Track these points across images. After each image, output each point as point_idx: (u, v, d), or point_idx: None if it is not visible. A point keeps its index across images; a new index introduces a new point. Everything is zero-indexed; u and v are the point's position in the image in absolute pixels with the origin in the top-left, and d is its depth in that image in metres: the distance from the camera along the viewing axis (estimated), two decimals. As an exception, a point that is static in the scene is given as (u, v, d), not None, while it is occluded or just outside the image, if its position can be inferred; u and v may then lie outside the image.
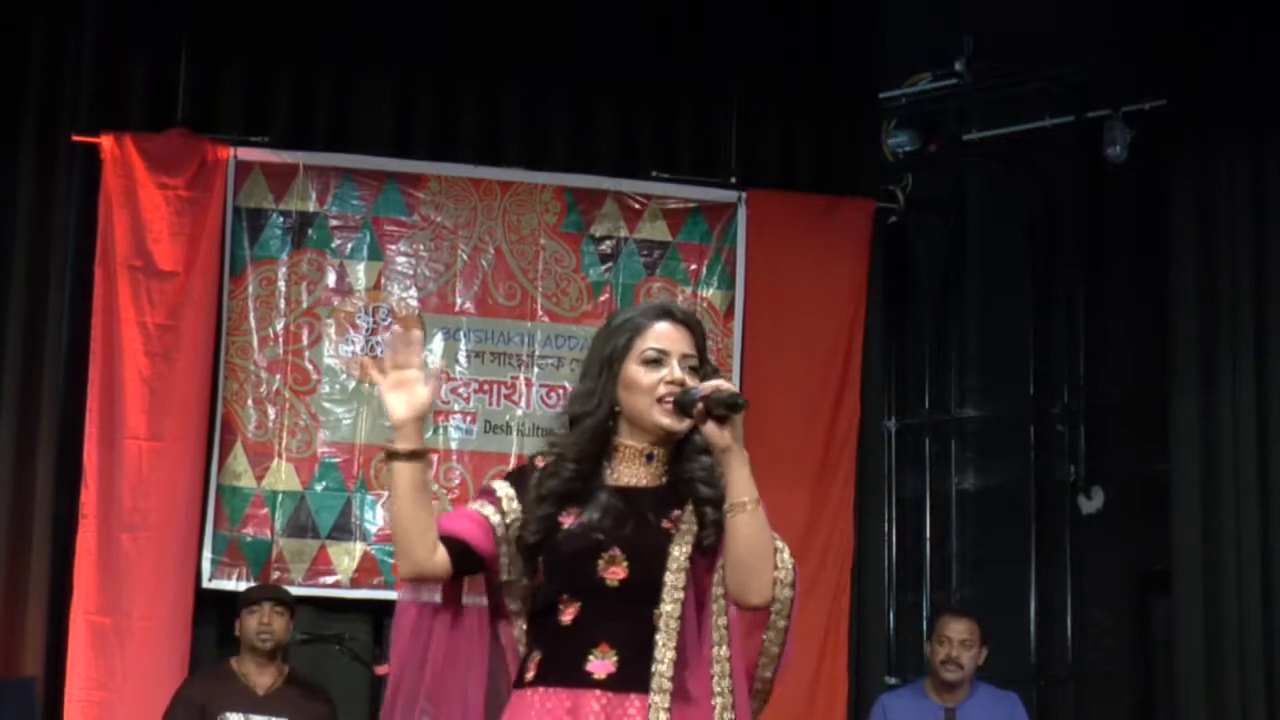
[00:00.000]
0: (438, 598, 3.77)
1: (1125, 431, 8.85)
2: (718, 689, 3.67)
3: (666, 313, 3.83)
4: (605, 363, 3.78)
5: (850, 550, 8.52)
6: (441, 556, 3.69)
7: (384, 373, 3.75)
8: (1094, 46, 8.83)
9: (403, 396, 3.72)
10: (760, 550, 3.65)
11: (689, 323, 3.83)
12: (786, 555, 3.73)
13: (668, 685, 3.63)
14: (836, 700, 8.30)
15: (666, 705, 3.62)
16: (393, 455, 3.69)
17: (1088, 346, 9.07)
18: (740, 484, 3.63)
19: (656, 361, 3.74)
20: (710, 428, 3.63)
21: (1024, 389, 9.24)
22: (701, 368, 3.78)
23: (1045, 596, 8.95)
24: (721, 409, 3.62)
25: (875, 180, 9.01)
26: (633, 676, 3.65)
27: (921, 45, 9.17)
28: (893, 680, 8.46)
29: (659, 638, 3.66)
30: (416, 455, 3.69)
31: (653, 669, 3.64)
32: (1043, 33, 8.92)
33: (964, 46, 9.14)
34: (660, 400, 3.72)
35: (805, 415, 8.50)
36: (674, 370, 3.73)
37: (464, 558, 3.71)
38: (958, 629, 7.41)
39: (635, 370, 3.75)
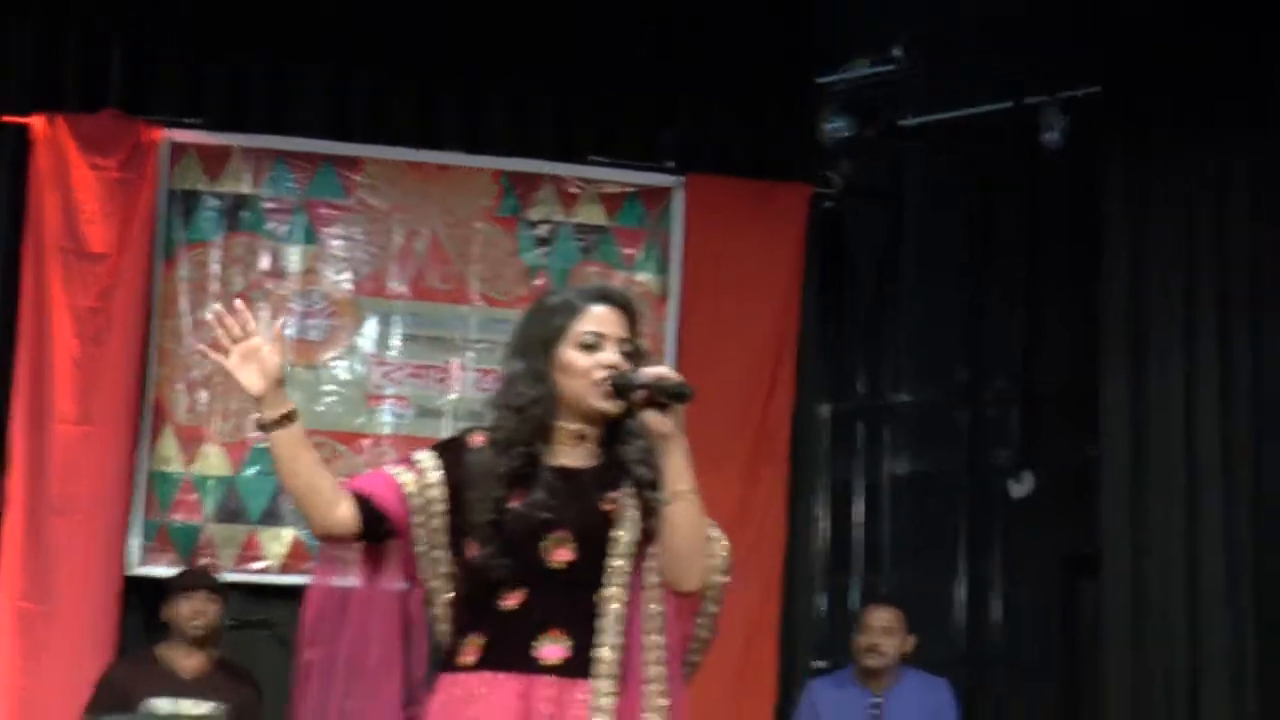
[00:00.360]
0: (353, 580, 3.76)
1: (1058, 417, 8.88)
2: (653, 674, 3.69)
3: (604, 295, 3.86)
4: (542, 345, 3.79)
5: (783, 534, 8.56)
6: (346, 511, 3.70)
7: (225, 352, 3.70)
8: (1030, 33, 8.83)
9: (252, 368, 3.69)
10: (696, 538, 3.70)
11: (625, 306, 3.86)
12: (721, 543, 3.77)
13: (615, 670, 3.66)
14: (765, 684, 8.35)
15: (611, 690, 3.65)
16: (265, 425, 3.69)
17: (1021, 332, 9.09)
18: (678, 472, 3.66)
19: (594, 345, 3.76)
20: (651, 414, 3.66)
21: (958, 375, 9.26)
22: (636, 351, 3.80)
23: (976, 581, 8.96)
24: (666, 397, 3.64)
25: (812, 166, 9.02)
26: (581, 662, 3.67)
27: (859, 31, 9.15)
28: (821, 664, 8.48)
29: (603, 622, 3.68)
30: (289, 418, 3.70)
31: (597, 654, 3.66)
32: (980, 19, 8.91)
33: (902, 32, 9.13)
34: (597, 384, 3.73)
35: (740, 400, 8.52)
36: (611, 354, 3.74)
37: (373, 519, 3.72)
38: (880, 617, 7.47)
39: (572, 354, 3.76)
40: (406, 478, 3.77)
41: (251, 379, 3.69)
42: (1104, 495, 8.18)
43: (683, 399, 3.65)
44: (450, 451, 3.81)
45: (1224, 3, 8.14)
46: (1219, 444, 8.00)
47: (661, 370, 3.70)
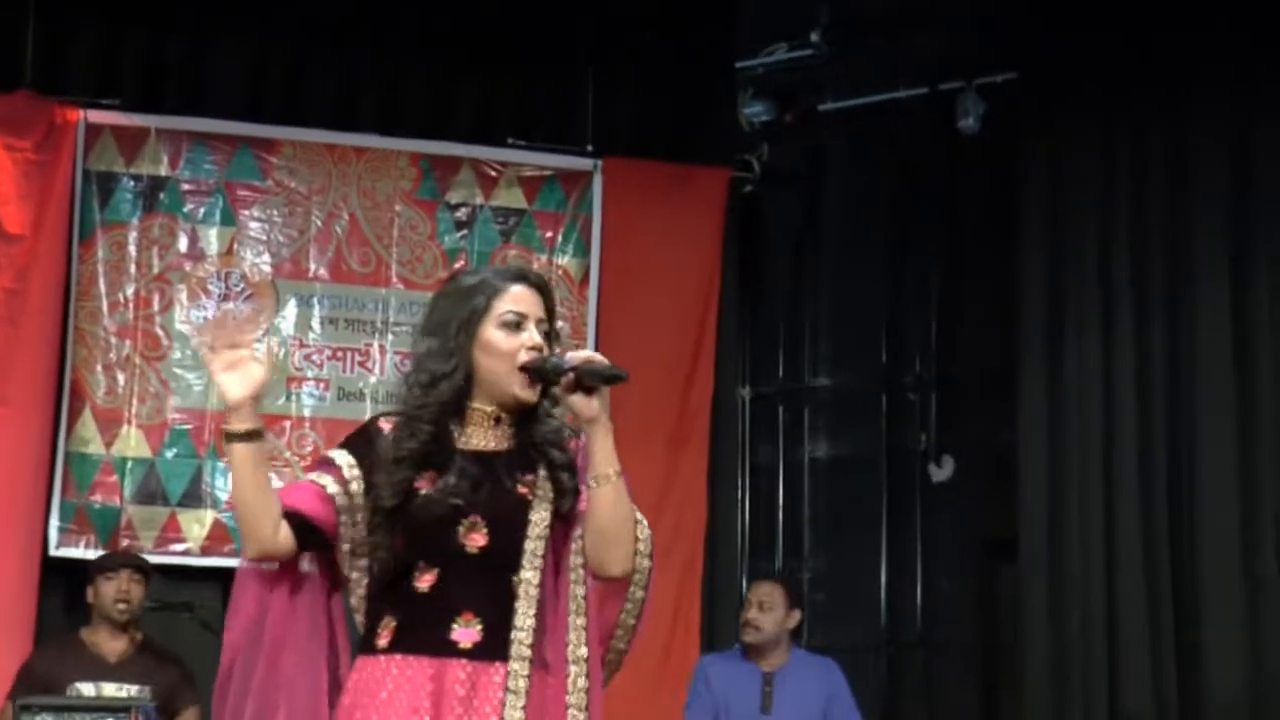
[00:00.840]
0: (276, 565, 3.72)
1: (975, 401, 8.93)
2: (573, 657, 3.66)
3: (523, 276, 3.83)
4: (462, 324, 3.74)
5: (703, 518, 8.57)
6: (285, 535, 3.65)
7: (215, 352, 3.65)
8: (948, 19, 8.88)
9: (236, 377, 3.60)
10: (622, 522, 3.67)
11: (542, 287, 3.83)
12: (645, 527, 3.74)
13: (527, 653, 3.63)
14: (687, 664, 8.28)
15: (526, 673, 3.62)
16: (230, 436, 3.62)
17: (939, 317, 9.14)
18: (605, 455, 3.64)
19: (516, 325, 3.73)
20: (578, 398, 3.62)
21: (876, 358, 9.29)
22: (551, 333, 3.78)
23: (895, 564, 9.01)
24: (599, 380, 3.61)
25: (731, 150, 9.05)
26: (496, 644, 3.64)
27: (778, 15, 9.17)
28: (736, 646, 8.49)
29: (519, 605, 3.65)
30: (254, 435, 3.62)
31: (512, 636, 3.64)
32: (898, 5, 8.96)
33: (820, 17, 9.17)
34: (521, 367, 3.70)
35: (659, 383, 8.52)
36: (533, 335, 3.72)
37: (307, 533, 3.68)
38: (759, 591, 7.35)
39: (494, 333, 3.73)
40: (327, 480, 3.72)
41: (233, 386, 3.60)
42: (1022, 479, 8.26)
43: (616, 381, 3.63)
44: (361, 442, 3.76)
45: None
46: (1136, 428, 8.08)
47: (589, 353, 3.68)
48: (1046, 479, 8.21)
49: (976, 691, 8.76)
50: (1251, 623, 7.71)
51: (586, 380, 3.62)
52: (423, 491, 3.68)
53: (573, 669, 3.66)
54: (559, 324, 3.86)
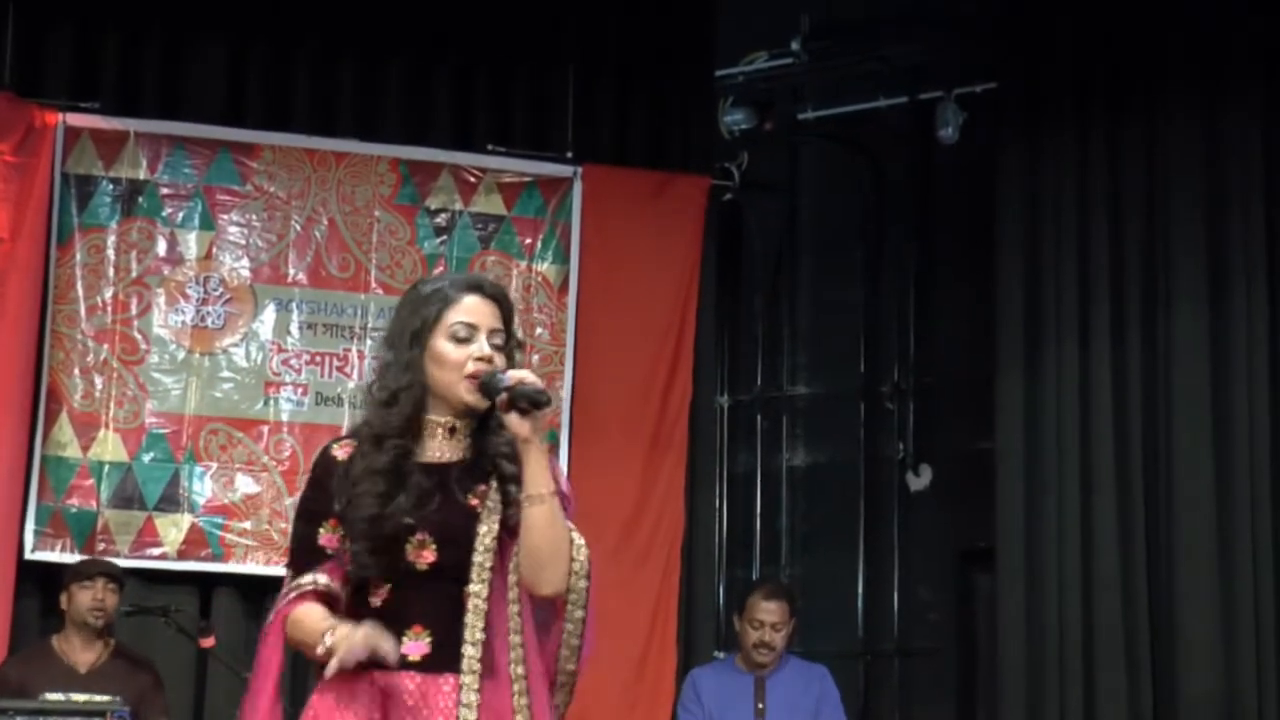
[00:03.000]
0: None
1: (953, 410, 8.95)
2: (513, 674, 3.67)
3: (476, 286, 3.80)
4: (414, 335, 3.72)
5: (681, 526, 8.55)
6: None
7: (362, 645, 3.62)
8: (928, 29, 8.90)
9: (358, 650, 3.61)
10: (553, 542, 3.66)
11: (498, 297, 3.80)
12: (583, 549, 3.72)
13: (477, 665, 3.63)
14: (665, 674, 8.34)
15: (477, 686, 3.62)
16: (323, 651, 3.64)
17: (917, 326, 9.16)
18: (537, 476, 3.63)
19: (466, 338, 3.71)
20: (512, 417, 3.62)
21: (854, 367, 9.31)
22: (508, 344, 3.76)
23: (873, 572, 9.03)
24: (525, 402, 3.61)
25: (710, 158, 9.05)
26: (445, 657, 3.64)
27: (758, 24, 9.19)
28: (720, 654, 8.50)
29: (468, 618, 3.65)
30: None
31: (463, 650, 3.64)
32: (878, 14, 8.98)
33: (800, 26, 9.19)
34: (469, 377, 3.69)
35: (638, 390, 8.52)
36: (483, 346, 3.71)
37: (334, 599, 3.72)
38: (769, 610, 7.26)
39: (444, 345, 3.70)
40: (326, 530, 3.73)
41: (350, 653, 3.59)
42: (999, 488, 8.26)
43: (539, 406, 3.62)
44: (325, 478, 3.75)
45: (1118, 1, 8.24)
46: (1113, 437, 8.09)
47: (523, 374, 3.66)
48: (1023, 488, 8.21)
49: (953, 700, 8.78)
50: (1227, 632, 7.73)
51: (516, 400, 3.62)
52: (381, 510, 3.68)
53: (515, 686, 3.67)
54: (538, 331, 3.86)
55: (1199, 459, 7.87)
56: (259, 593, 8.05)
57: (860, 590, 9.06)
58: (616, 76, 8.89)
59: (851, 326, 9.33)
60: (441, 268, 8.38)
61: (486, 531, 3.69)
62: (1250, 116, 8.01)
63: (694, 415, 8.71)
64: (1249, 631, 7.70)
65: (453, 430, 3.75)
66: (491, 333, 3.73)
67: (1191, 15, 8.11)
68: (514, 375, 3.65)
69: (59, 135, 8.02)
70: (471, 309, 3.74)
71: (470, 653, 3.64)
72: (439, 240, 8.47)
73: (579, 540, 3.71)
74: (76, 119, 8.08)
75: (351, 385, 8.26)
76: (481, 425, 3.75)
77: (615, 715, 8.14)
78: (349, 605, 3.71)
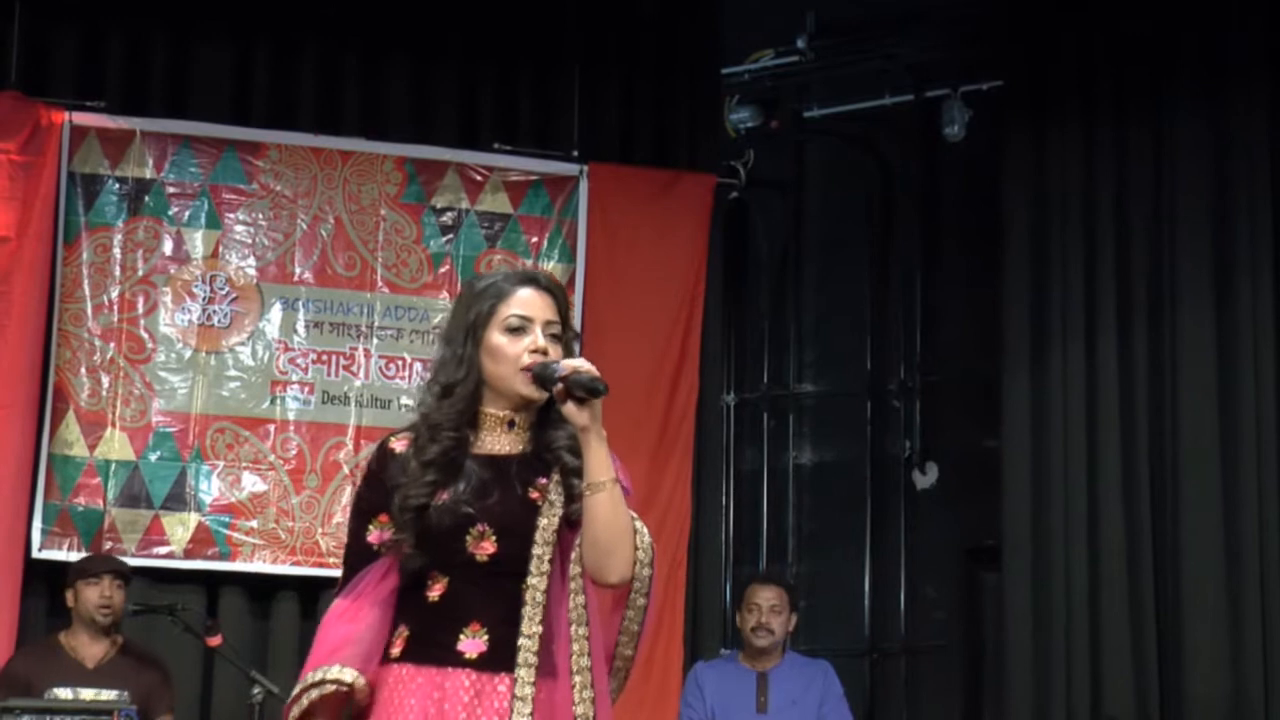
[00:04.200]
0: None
1: (959, 408, 8.95)
2: (576, 667, 3.65)
3: (530, 279, 3.81)
4: (469, 329, 3.74)
5: (687, 524, 8.55)
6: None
7: None
8: (934, 26, 8.90)
9: None
10: (618, 530, 3.63)
11: (552, 289, 3.80)
12: (645, 535, 3.71)
13: (534, 660, 3.61)
14: (671, 673, 8.32)
15: (532, 680, 3.60)
16: None
17: (924, 324, 9.17)
18: (598, 463, 3.61)
19: (520, 329, 3.71)
20: (569, 407, 3.61)
21: (860, 365, 9.31)
22: (564, 334, 3.76)
23: (879, 571, 9.03)
24: (581, 390, 3.60)
25: (716, 156, 9.04)
26: (502, 655, 3.63)
27: (764, 22, 9.19)
28: (727, 652, 8.49)
29: (525, 611, 3.64)
30: None
31: (519, 644, 3.62)
32: (884, 12, 8.98)
33: (806, 24, 9.19)
34: (524, 369, 3.69)
35: (644, 389, 8.52)
36: (538, 338, 3.71)
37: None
38: (766, 595, 7.38)
39: (499, 338, 3.71)
40: (375, 527, 3.75)
41: None
42: (1005, 486, 8.26)
43: (595, 394, 3.61)
44: (379, 472, 3.77)
45: (1124, -1, 8.26)
46: (1119, 435, 8.10)
47: (577, 363, 3.65)
48: (1029, 486, 8.22)
49: (959, 698, 8.78)
50: (1234, 628, 7.74)
51: (571, 390, 3.61)
52: (436, 500, 3.68)
53: (577, 679, 3.65)
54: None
55: (1205, 456, 7.88)
56: (266, 591, 8.08)
57: (866, 588, 9.06)
58: (622, 75, 8.89)
59: (858, 324, 9.33)
60: (447, 266, 8.39)
61: (547, 525, 3.67)
62: (1257, 114, 8.02)
63: (700, 413, 8.70)
64: (1255, 630, 7.71)
65: (511, 424, 3.75)
66: (546, 324, 3.73)
67: (1198, 13, 8.12)
68: (568, 364, 3.64)
69: (65, 134, 8.02)
70: (525, 302, 3.74)
71: (527, 645, 3.61)
72: (445, 239, 8.47)
73: (641, 527, 3.70)
74: (83, 118, 8.08)
75: (358, 384, 8.26)
76: (541, 419, 3.74)
77: (622, 713, 8.11)
78: (405, 600, 3.70)
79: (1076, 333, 8.23)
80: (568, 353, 3.75)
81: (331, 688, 3.64)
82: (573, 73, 8.79)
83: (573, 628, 3.67)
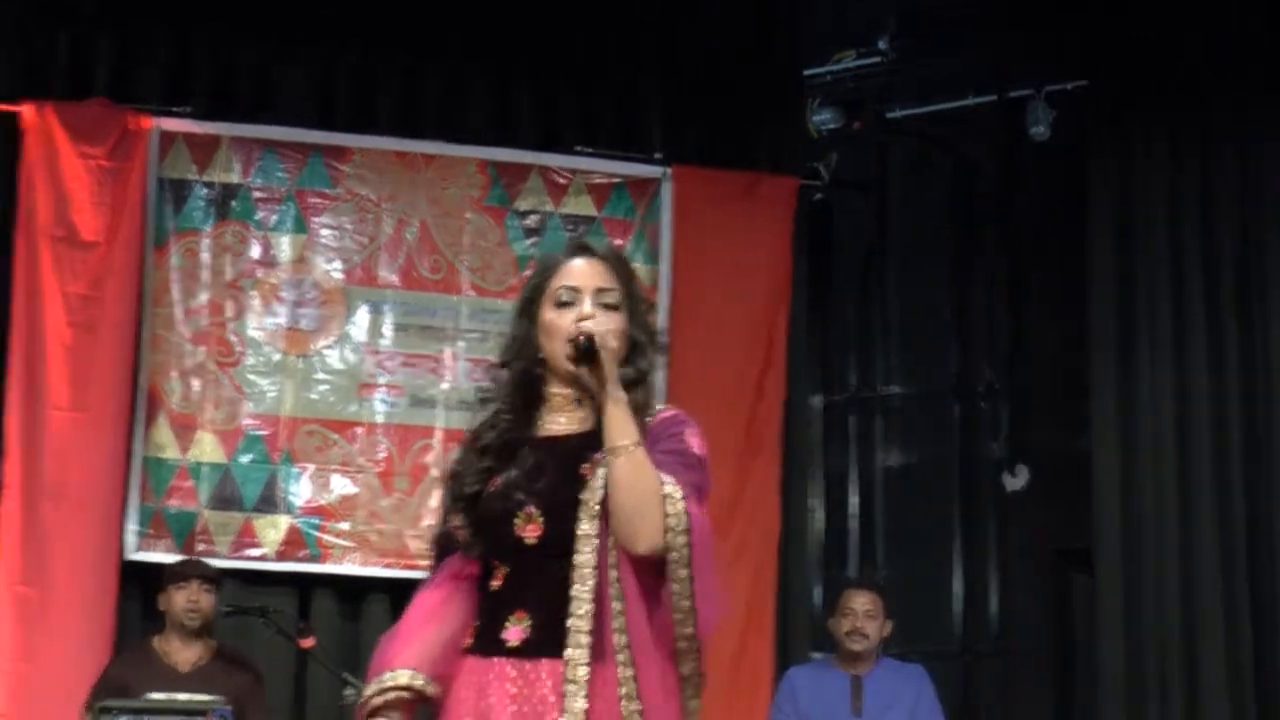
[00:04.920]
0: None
1: (1049, 409, 8.89)
2: (616, 645, 3.52)
3: (582, 248, 3.73)
4: (525, 308, 3.69)
5: (776, 527, 8.52)
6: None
7: None
8: (1017, 26, 8.85)
9: None
10: (642, 494, 3.49)
11: (607, 256, 3.71)
12: (678, 500, 3.49)
13: (585, 640, 3.50)
14: (761, 676, 8.29)
15: (585, 661, 3.49)
16: None
17: (1010, 324, 9.11)
18: (616, 427, 3.51)
19: (569, 303, 3.63)
20: (582, 371, 3.57)
21: (948, 366, 9.26)
22: (630, 302, 3.66)
23: (969, 573, 8.97)
24: (578, 354, 3.55)
25: (799, 158, 9.03)
26: (545, 640, 3.53)
27: (846, 23, 9.16)
28: (817, 655, 8.44)
29: (575, 589, 3.52)
30: None
31: (569, 624, 3.52)
32: (968, 11, 8.93)
33: (889, 24, 9.15)
34: (569, 342, 3.60)
35: (730, 391, 8.49)
36: (584, 309, 3.62)
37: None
38: (861, 600, 7.35)
39: (550, 314, 3.63)
40: (453, 517, 3.72)
41: None
42: (1096, 487, 8.20)
43: (589, 357, 3.54)
44: (459, 462, 3.73)
45: (1208, -3, 8.21)
46: (1210, 435, 8.03)
47: (582, 325, 3.57)
48: (1121, 487, 8.16)
49: (1051, 702, 8.71)
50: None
51: (577, 355, 3.56)
52: (490, 487, 3.63)
53: (619, 658, 3.52)
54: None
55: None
56: (357, 594, 8.08)
57: (957, 591, 9.00)
58: (704, 76, 8.87)
59: (944, 325, 9.28)
60: (532, 269, 8.36)
61: (589, 498, 3.55)
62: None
63: (787, 416, 8.67)
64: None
65: (579, 401, 3.66)
66: (598, 292, 3.63)
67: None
68: (582, 328, 3.57)
69: (153, 140, 8.06)
70: (575, 272, 3.66)
71: (578, 626, 3.51)
72: (529, 241, 8.47)
73: (673, 492, 3.49)
74: (170, 124, 8.12)
75: (445, 386, 8.27)
76: None
77: (710, 715, 8.09)
78: (480, 590, 3.65)
79: (1165, 330, 8.18)
80: (635, 321, 3.65)
81: (393, 695, 3.59)
82: (655, 74, 8.79)
83: (612, 604, 3.55)
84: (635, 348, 3.67)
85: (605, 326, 3.59)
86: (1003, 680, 8.84)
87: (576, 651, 3.50)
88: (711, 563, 3.53)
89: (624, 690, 3.50)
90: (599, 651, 3.50)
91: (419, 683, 3.58)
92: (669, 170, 8.65)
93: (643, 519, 3.48)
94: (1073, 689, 8.58)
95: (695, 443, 3.62)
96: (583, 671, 3.49)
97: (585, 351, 3.53)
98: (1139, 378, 8.21)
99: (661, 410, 3.67)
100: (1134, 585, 8.06)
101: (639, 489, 3.48)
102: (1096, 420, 8.25)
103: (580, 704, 3.48)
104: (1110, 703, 8.02)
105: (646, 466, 3.49)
